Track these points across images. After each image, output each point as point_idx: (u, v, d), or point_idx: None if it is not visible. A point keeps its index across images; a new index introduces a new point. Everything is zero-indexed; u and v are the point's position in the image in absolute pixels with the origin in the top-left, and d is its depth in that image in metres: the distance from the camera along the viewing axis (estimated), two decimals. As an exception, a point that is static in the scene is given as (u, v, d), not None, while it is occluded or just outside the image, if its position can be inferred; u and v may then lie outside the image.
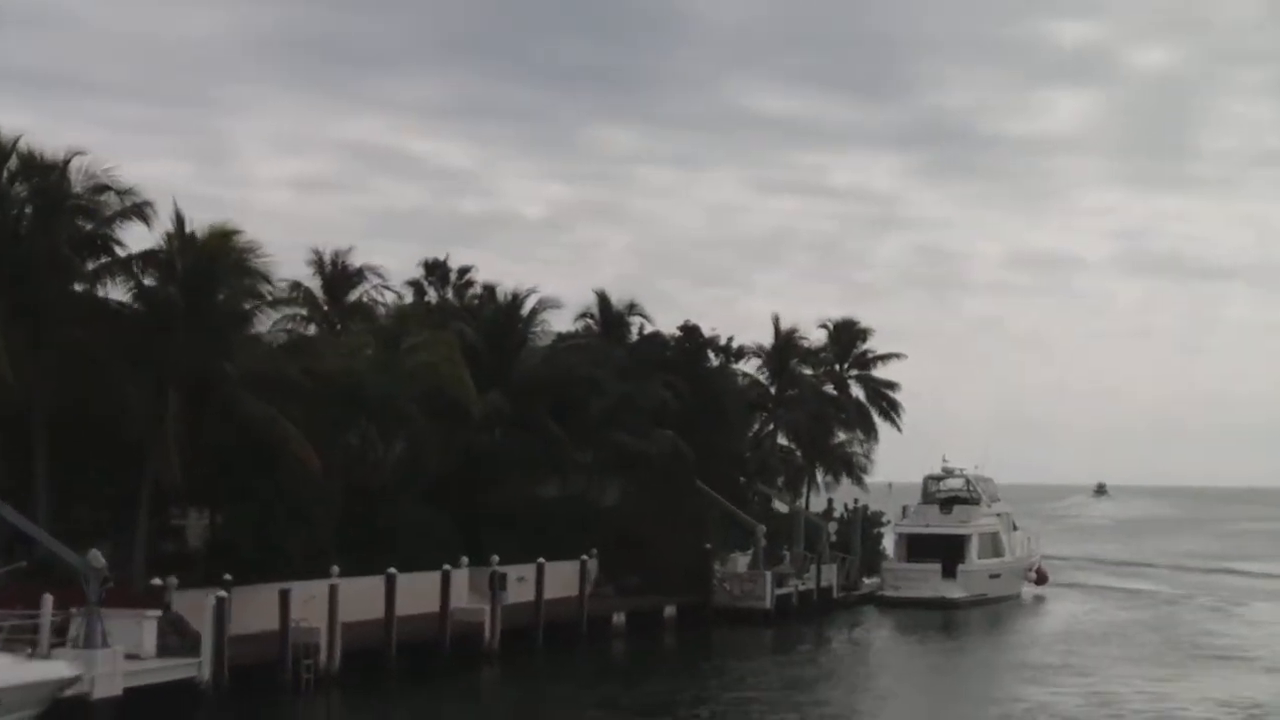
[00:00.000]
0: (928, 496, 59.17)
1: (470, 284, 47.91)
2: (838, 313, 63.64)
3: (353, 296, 40.50)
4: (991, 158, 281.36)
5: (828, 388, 62.09)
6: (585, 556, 40.92)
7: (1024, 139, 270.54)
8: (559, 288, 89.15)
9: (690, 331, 50.70)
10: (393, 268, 46.75)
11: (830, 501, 61.48)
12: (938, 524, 56.51)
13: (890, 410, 63.39)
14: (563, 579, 40.01)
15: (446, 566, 34.44)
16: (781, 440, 58.98)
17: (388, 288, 42.30)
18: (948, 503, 57.98)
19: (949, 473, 59.89)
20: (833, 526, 54.01)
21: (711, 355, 51.96)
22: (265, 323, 33.13)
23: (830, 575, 52.24)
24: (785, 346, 59.09)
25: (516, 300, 45.43)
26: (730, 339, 52.74)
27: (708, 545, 45.86)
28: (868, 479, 61.97)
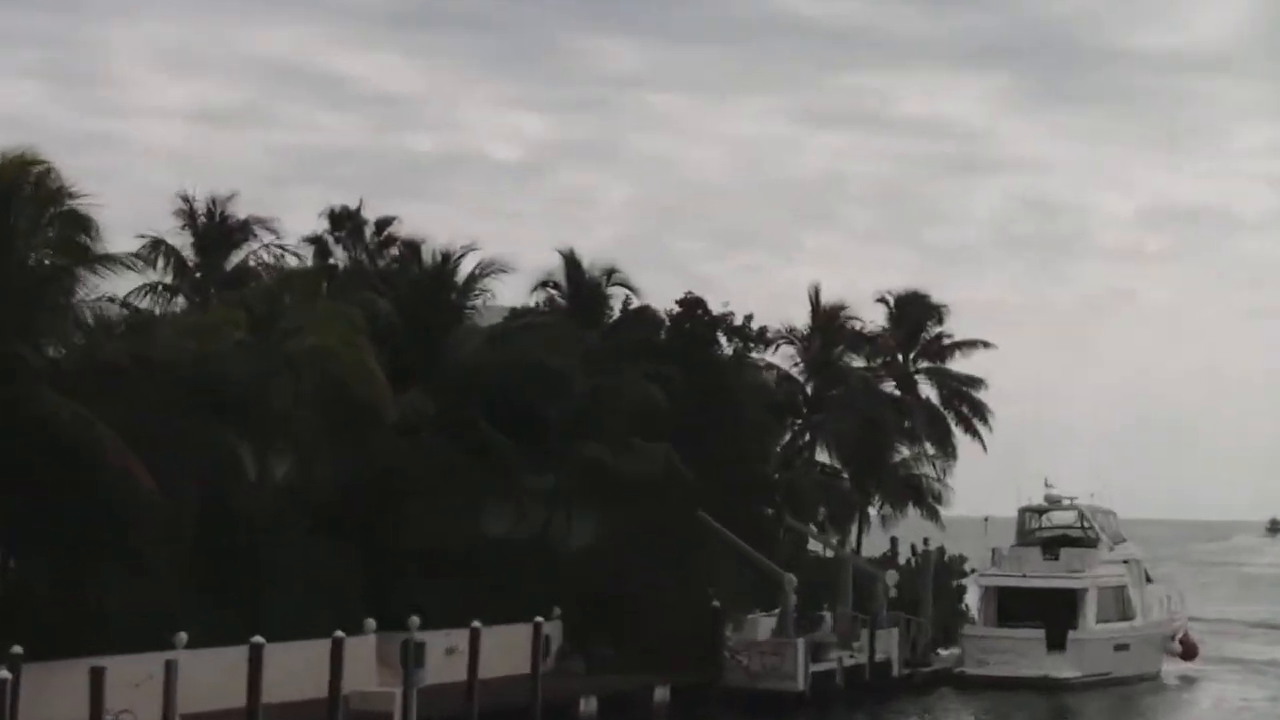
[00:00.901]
0: (1025, 536, 58.76)
1: (392, 241, 47.97)
2: (909, 284, 65.05)
3: (236, 260, 41.28)
4: (1111, 80, 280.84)
5: (887, 386, 62.79)
6: (540, 618, 40.63)
7: (1156, 55, 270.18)
8: (538, 254, 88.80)
9: (691, 307, 51.02)
10: (310, 225, 47.58)
11: (894, 543, 61.90)
12: (1039, 574, 56.04)
13: (974, 417, 64.08)
14: (510, 649, 40.06)
15: (339, 633, 33.95)
16: (822, 457, 59.56)
17: (285, 248, 42.73)
18: (1053, 544, 57.46)
19: (1054, 503, 59.44)
20: (893, 577, 53.25)
21: (723, 340, 52.33)
22: (88, 291, 32.49)
23: (890, 645, 52.21)
24: (827, 329, 59.69)
25: (448, 262, 45.31)
26: (749, 318, 53.25)
27: (715, 603, 45.70)
28: (944, 511, 62.51)
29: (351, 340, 37.84)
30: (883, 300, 64.84)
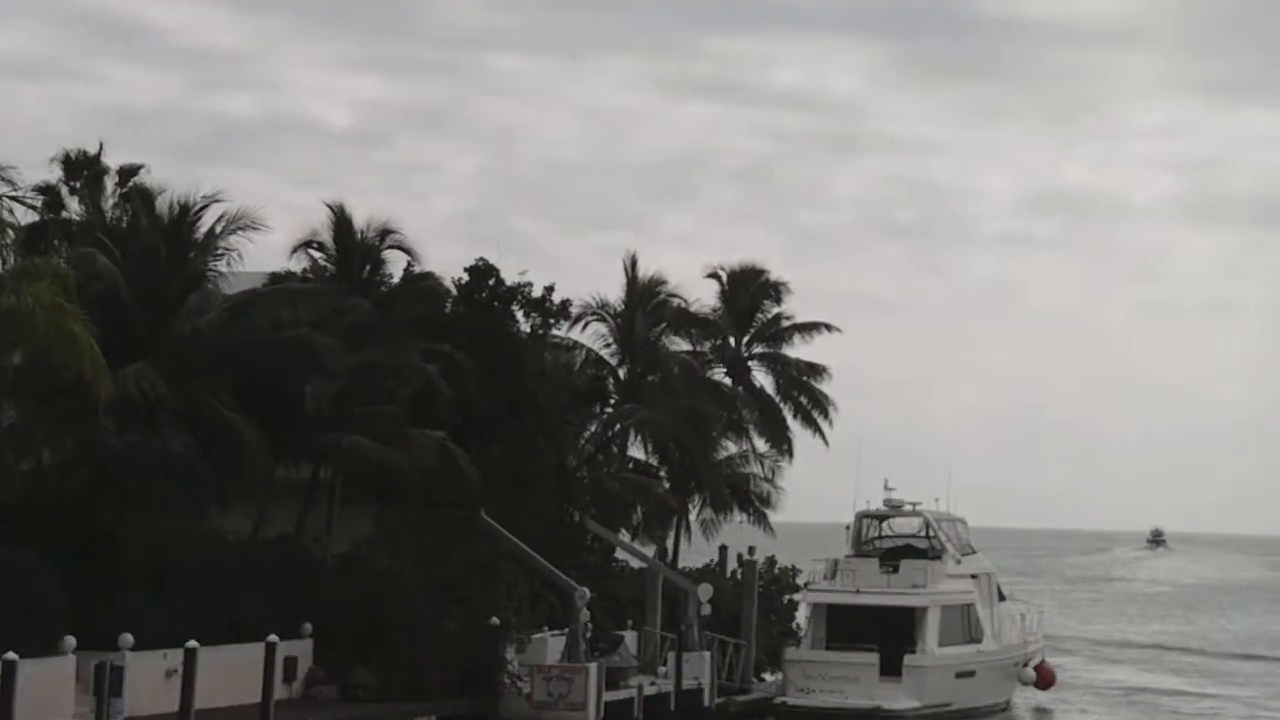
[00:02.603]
0: (861, 546, 58.47)
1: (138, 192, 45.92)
2: (782, 270, 66.41)
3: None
4: (1001, 53, 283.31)
5: (716, 373, 63.18)
6: (274, 638, 39.04)
7: (1049, 25, 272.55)
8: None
9: (481, 275, 49.86)
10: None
11: (723, 552, 61.92)
12: (874, 589, 55.39)
13: (813, 409, 64.53)
14: (241, 673, 38.62)
15: (11, 655, 31.90)
16: (636, 452, 59.38)
17: (19, 199, 39.86)
18: (892, 555, 57.07)
19: (895, 508, 59.12)
20: (706, 591, 51.94)
21: (519, 315, 51.37)
22: None
23: (701, 670, 50.98)
24: (645, 304, 59.40)
25: (187, 215, 43.13)
26: (549, 289, 51.98)
27: (495, 620, 44.72)
28: (775, 517, 62.92)
29: (55, 303, 35.37)
30: (714, 275, 64.90)
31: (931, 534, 58.35)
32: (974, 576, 58.53)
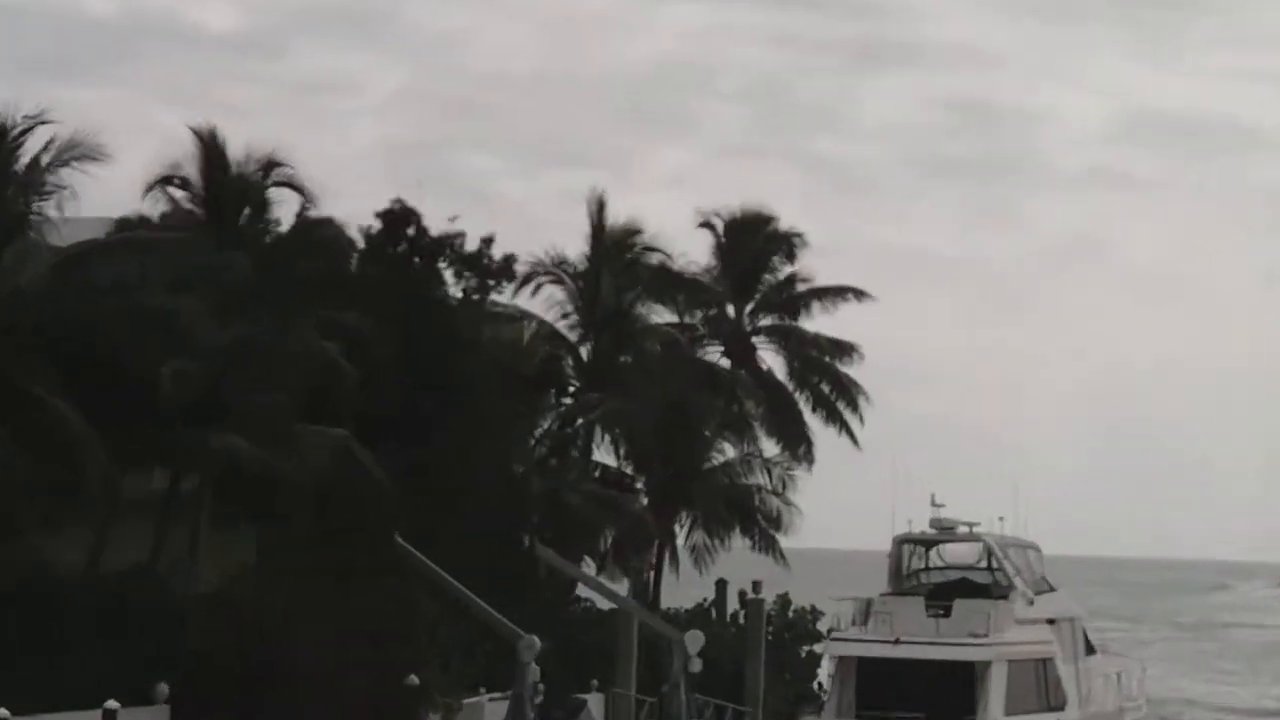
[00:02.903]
0: (903, 579, 57.92)
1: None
2: (798, 218, 67.56)
3: None
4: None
5: (710, 352, 63.22)
6: (115, 704, 38.75)
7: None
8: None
9: (398, 222, 49.90)
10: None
11: (721, 588, 62.45)
12: (921, 638, 54.64)
13: (839, 400, 64.85)
14: None
15: None
16: (605, 457, 59.98)
17: None
18: (943, 593, 56.53)
19: (945, 530, 58.69)
20: (696, 640, 51.11)
21: (449, 276, 51.58)
22: None
23: None
24: (615, 261, 59.27)
25: (3, 139, 43.20)
26: (487, 240, 51.99)
27: (414, 678, 45.16)
28: (787, 542, 62.81)
29: None
30: (707, 225, 65.06)
31: (994, 565, 57.84)
32: (1052, 622, 57.97)
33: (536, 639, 47.00)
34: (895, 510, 58.47)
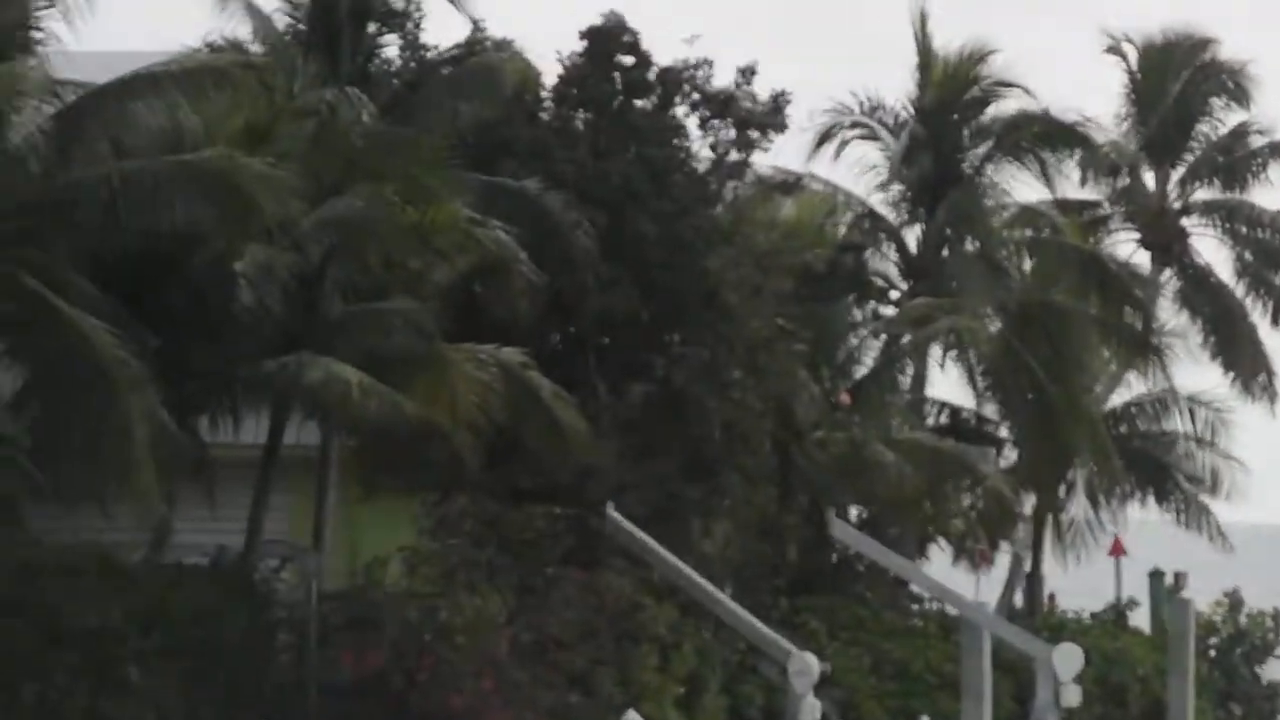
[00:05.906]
0: None
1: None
2: (1253, 42, 61.26)
3: None
4: None
5: (1116, 239, 56.17)
6: None
7: None
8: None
9: (605, 43, 41.00)
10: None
11: (1156, 582, 54.09)
12: None
13: None
14: None
15: None
16: (942, 391, 52.58)
17: None
18: None
19: None
20: (1066, 660, 43.27)
21: (691, 125, 43.00)
22: None
23: None
24: (951, 106, 51.30)
25: None
26: (748, 73, 42.78)
27: (634, 716, 38.09)
28: (1231, 515, 55.40)
29: None
30: (1114, 50, 55.95)
31: None
32: None
33: (814, 659, 40.29)
34: None
